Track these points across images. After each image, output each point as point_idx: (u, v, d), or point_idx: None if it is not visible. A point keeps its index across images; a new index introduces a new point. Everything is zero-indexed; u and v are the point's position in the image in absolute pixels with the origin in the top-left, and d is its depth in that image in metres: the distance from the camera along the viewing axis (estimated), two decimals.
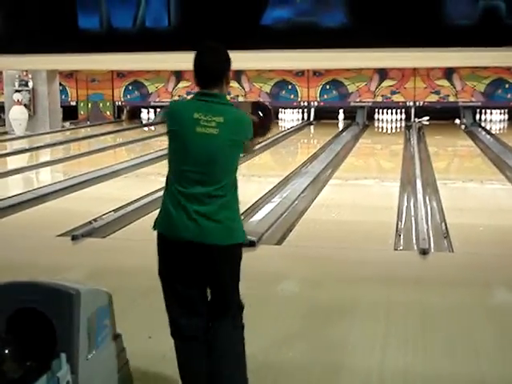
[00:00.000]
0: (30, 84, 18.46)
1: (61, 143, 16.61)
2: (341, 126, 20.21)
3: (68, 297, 2.91)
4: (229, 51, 7.20)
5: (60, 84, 20.56)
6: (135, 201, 8.28)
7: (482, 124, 19.98)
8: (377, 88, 20.90)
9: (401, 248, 6.50)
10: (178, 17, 6.89)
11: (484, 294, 5.01)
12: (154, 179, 10.56)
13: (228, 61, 3.29)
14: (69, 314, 2.89)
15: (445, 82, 20.53)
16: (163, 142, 16.79)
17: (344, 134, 17.80)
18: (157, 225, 3.34)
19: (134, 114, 22.97)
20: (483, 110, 20.66)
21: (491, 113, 20.68)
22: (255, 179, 11.09)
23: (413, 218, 7.51)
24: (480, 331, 4.24)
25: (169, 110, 3.35)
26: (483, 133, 17.74)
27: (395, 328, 4.31)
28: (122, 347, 3.36)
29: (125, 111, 22.91)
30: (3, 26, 7.59)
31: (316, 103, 21.24)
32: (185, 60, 10.69)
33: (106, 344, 3.16)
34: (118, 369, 3.27)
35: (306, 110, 21.53)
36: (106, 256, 6.15)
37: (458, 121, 20.49)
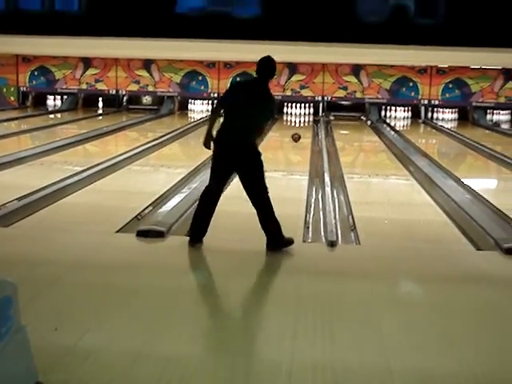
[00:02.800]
0: None
1: None
2: None
3: None
4: (142, 39, 7.09)
5: None
6: (40, 189, 8.04)
7: (387, 120, 20.55)
8: (286, 82, 21.11)
9: (309, 240, 6.59)
10: (89, 2, 6.71)
11: (389, 285, 5.13)
12: (60, 168, 10.31)
13: None
14: None
15: (352, 78, 20.97)
16: (70, 130, 16.45)
17: None
18: None
19: (40, 101, 22.33)
20: (388, 107, 21.25)
21: (396, 110, 21.30)
22: (164, 170, 11.01)
23: (321, 211, 7.63)
24: (385, 322, 4.33)
25: None
26: (388, 129, 18.24)
27: (304, 319, 4.35)
28: (27, 339, 3.25)
29: (30, 97, 22.23)
30: None
31: None
32: (94, 46, 10.44)
33: (10, 336, 3.04)
34: (22, 361, 3.16)
35: (215, 101, 21.48)
36: (10, 245, 5.94)
37: (363, 117, 21.00)
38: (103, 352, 3.77)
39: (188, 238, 6.34)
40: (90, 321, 4.17)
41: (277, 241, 5.80)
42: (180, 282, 5.07)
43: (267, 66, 5.68)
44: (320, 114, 20.68)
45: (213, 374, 3.59)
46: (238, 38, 6.89)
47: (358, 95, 21.06)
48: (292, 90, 21.17)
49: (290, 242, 5.87)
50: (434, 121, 20.95)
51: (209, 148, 5.97)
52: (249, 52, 10.80)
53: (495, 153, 13.49)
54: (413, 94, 20.98)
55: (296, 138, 14.41)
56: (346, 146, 15.56)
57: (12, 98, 21.98)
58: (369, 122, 20.05)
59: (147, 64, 21.41)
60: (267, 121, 6.04)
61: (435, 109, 21.27)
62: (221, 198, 8.26)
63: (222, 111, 5.90)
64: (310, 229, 6.97)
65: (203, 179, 9.21)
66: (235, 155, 5.74)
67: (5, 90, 21.92)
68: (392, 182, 10.46)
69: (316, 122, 19.56)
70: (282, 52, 7.06)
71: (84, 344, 3.84)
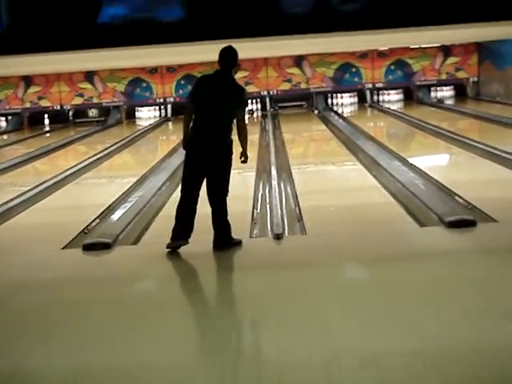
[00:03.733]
0: None
1: None
2: None
3: None
4: (67, 52, 6.99)
5: None
6: None
7: (334, 108, 20.70)
8: None
9: (256, 235, 6.61)
10: (9, 18, 6.62)
11: (333, 272, 5.18)
12: (5, 189, 10.16)
13: None
14: None
15: (296, 70, 21.06)
16: (17, 151, 16.22)
17: None
18: None
19: None
20: (334, 95, 21.39)
21: (342, 97, 21.45)
22: (112, 180, 10.95)
23: (268, 205, 7.66)
24: (330, 309, 4.37)
25: None
26: (335, 117, 18.36)
27: (249, 314, 4.38)
28: None
29: None
30: None
31: (172, 99, 21.19)
32: (21, 64, 10.27)
33: None
34: None
35: (162, 106, 21.43)
36: None
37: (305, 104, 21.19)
38: (43, 374, 3.74)
39: (134, 246, 6.35)
40: (28, 345, 4.12)
41: (225, 240, 5.81)
42: (126, 292, 5.05)
43: (228, 55, 5.69)
44: (267, 109, 20.74)
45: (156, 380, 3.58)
46: (166, 42, 6.86)
47: (303, 86, 21.15)
48: None
49: (239, 242, 5.91)
50: (380, 103, 21.15)
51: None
52: (184, 54, 10.79)
53: (441, 129, 13.68)
54: (356, 79, 21.15)
55: None
56: (294, 137, 15.63)
57: None
58: (316, 112, 20.15)
59: (89, 76, 21.22)
60: (239, 111, 5.82)
61: (380, 91, 21.46)
62: (164, 201, 8.30)
63: (191, 109, 5.79)
64: (257, 224, 6.99)
65: (150, 186, 9.22)
66: (208, 154, 5.66)
67: None
68: (339, 169, 10.55)
69: (264, 116, 19.60)
70: (213, 51, 7.02)
71: (24, 368, 3.80)
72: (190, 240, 5.77)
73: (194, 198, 5.76)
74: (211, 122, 5.67)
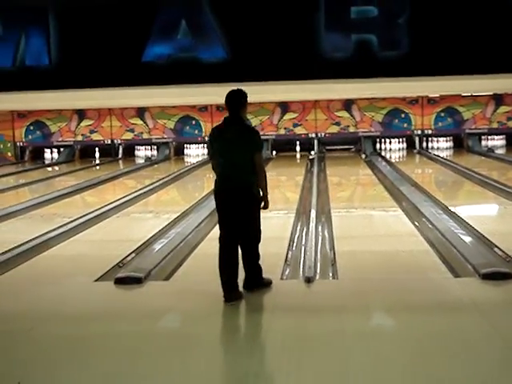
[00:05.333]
0: None
1: None
2: None
3: None
4: (111, 88, 7.17)
5: None
6: (23, 244, 8.07)
7: (382, 153, 20.62)
8: (279, 121, 21.28)
9: (287, 277, 6.58)
10: (58, 55, 6.83)
11: (361, 319, 5.11)
12: (48, 220, 10.37)
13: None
14: None
15: (344, 113, 21.11)
16: (67, 182, 16.57)
17: None
18: None
19: (37, 155, 22.56)
20: (382, 140, 21.36)
21: (390, 142, 21.39)
22: (152, 215, 11.05)
23: (302, 248, 7.63)
24: (354, 356, 4.31)
25: None
26: (383, 162, 18.27)
27: (270, 357, 4.35)
28: None
29: (27, 152, 22.46)
30: None
31: None
32: (69, 98, 10.55)
33: None
34: None
35: None
36: None
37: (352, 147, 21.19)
38: None
39: (165, 282, 6.39)
40: (54, 374, 4.17)
41: (255, 281, 5.81)
42: (152, 328, 5.07)
43: (234, 98, 5.68)
44: (314, 151, 20.78)
45: None
46: (209, 82, 6.97)
47: (352, 130, 21.18)
48: (285, 128, 21.33)
49: (269, 282, 5.92)
50: (429, 150, 21.00)
51: None
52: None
53: (489, 179, 13.48)
54: (405, 125, 21.09)
55: None
56: (340, 181, 15.60)
57: (9, 154, 22.22)
58: (363, 156, 20.10)
59: (141, 112, 21.65)
60: (256, 153, 5.62)
61: (429, 138, 21.34)
62: (201, 238, 8.34)
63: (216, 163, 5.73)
64: (290, 266, 6.96)
65: (189, 222, 9.29)
66: (232, 203, 5.58)
67: (1, 146, 22.16)
68: (379, 215, 10.45)
69: (310, 158, 19.64)
70: (258, 92, 7.17)
71: None
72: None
73: (232, 245, 5.67)
74: (229, 170, 5.63)
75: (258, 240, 5.78)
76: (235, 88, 5.79)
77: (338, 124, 21.18)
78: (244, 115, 5.77)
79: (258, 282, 5.82)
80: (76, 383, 4.05)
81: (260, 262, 5.83)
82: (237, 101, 5.71)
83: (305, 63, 6.63)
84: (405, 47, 6.59)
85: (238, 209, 5.59)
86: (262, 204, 5.72)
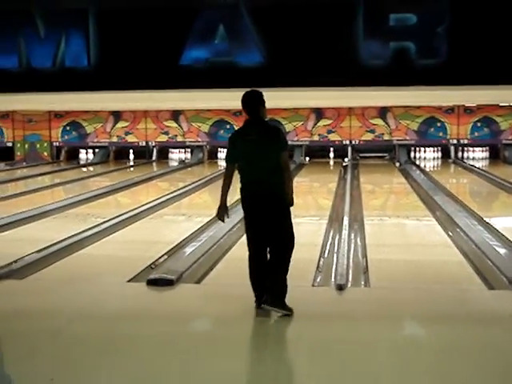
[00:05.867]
0: None
1: None
2: None
3: None
4: (148, 91, 7.22)
5: None
6: (57, 242, 8.18)
7: (417, 162, 20.46)
8: (313, 127, 21.24)
9: (318, 284, 6.56)
10: (97, 57, 6.91)
11: (392, 329, 5.07)
12: (83, 220, 10.47)
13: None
14: None
15: (379, 121, 21.01)
16: (101, 182, 16.74)
17: None
18: None
19: (73, 155, 22.82)
20: (417, 148, 21.20)
21: (425, 151, 21.23)
22: (185, 218, 11.10)
23: (335, 255, 7.60)
24: (384, 367, 4.28)
25: None
26: (417, 171, 18.12)
27: (301, 364, 4.33)
28: None
29: (63, 152, 22.74)
30: None
31: None
32: (106, 100, 10.66)
33: None
34: None
35: None
36: (21, 298, 6.04)
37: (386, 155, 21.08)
38: None
39: (197, 284, 6.41)
40: (86, 372, 4.21)
41: (278, 300, 5.27)
42: (182, 330, 5.08)
43: (252, 99, 5.45)
44: (347, 158, 20.69)
45: None
46: (245, 86, 6.98)
47: (386, 137, 21.06)
48: (319, 134, 21.29)
49: (291, 310, 5.29)
50: (465, 160, 20.78)
51: (222, 220, 5.77)
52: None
53: None
54: (441, 134, 20.92)
55: None
56: (373, 188, 15.52)
57: (45, 153, 22.51)
58: (397, 164, 19.97)
59: (175, 115, 21.78)
60: (282, 152, 5.33)
61: (465, 148, 21.13)
62: (233, 242, 8.35)
63: (231, 170, 5.49)
64: (322, 273, 6.94)
65: (222, 226, 9.28)
66: (263, 207, 5.32)
67: (38, 145, 22.47)
68: (412, 224, 10.37)
69: (344, 165, 19.56)
70: (294, 98, 7.17)
71: None
72: None
73: (262, 253, 5.44)
74: (256, 174, 5.36)
75: (291, 248, 5.44)
76: (250, 89, 5.54)
77: (372, 131, 21.08)
78: (264, 115, 5.53)
79: (278, 302, 5.26)
80: (107, 382, 4.07)
81: (287, 282, 5.36)
82: (255, 101, 5.46)
83: (342, 70, 6.62)
84: (443, 56, 6.54)
85: (269, 215, 5.32)
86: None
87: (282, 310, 5.23)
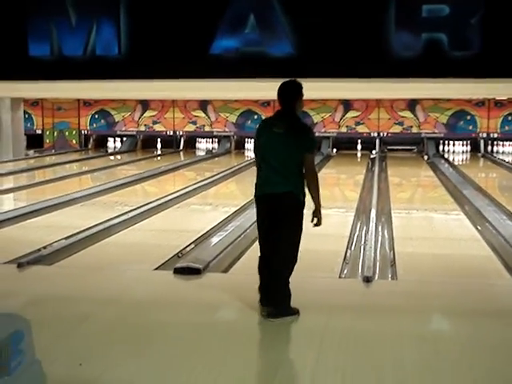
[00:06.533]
0: None
1: (24, 171, 16.53)
2: None
3: None
4: (178, 80, 7.23)
5: (25, 112, 20.52)
6: (86, 229, 8.25)
7: (445, 155, 20.28)
8: (341, 119, 21.14)
9: (345, 276, 6.54)
10: (128, 45, 6.94)
11: (419, 322, 5.03)
12: (111, 207, 10.54)
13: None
14: None
15: (408, 114, 20.84)
16: (128, 171, 16.83)
17: None
18: None
19: (101, 143, 22.97)
20: (446, 142, 21.00)
21: (454, 144, 21.02)
22: (212, 208, 11.13)
23: (362, 247, 7.57)
24: (410, 360, 4.25)
25: None
26: (446, 164, 17.97)
27: (327, 356, 4.32)
28: (41, 373, 3.33)
29: (91, 140, 22.89)
30: None
31: None
32: (135, 89, 10.69)
33: (21, 370, 3.13)
34: None
35: None
36: (50, 283, 6.11)
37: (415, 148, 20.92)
38: None
39: (223, 274, 6.43)
40: (113, 358, 4.25)
41: (279, 310, 4.95)
42: (208, 319, 5.09)
43: (288, 90, 4.92)
44: (375, 151, 20.56)
45: None
46: (275, 76, 6.95)
47: (415, 130, 20.90)
48: (347, 126, 21.19)
49: (297, 312, 5.02)
50: (494, 154, 20.55)
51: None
52: None
53: None
54: (471, 127, 20.69)
55: None
56: (400, 181, 15.43)
57: (74, 141, 22.69)
58: (425, 157, 19.81)
59: (203, 105, 21.81)
60: (306, 155, 4.81)
61: (495, 142, 20.89)
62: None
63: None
64: (349, 264, 6.92)
65: (248, 216, 9.30)
66: (271, 212, 4.84)
67: (67, 133, 22.65)
68: (441, 218, 10.29)
69: (371, 157, 19.45)
70: (323, 89, 7.13)
71: (104, 380, 3.91)
72: None
73: (265, 263, 4.99)
74: (269, 172, 4.85)
75: (292, 262, 4.98)
76: (290, 79, 5.04)
77: (401, 124, 20.93)
78: (299, 109, 4.97)
79: (282, 311, 4.96)
80: (133, 369, 4.09)
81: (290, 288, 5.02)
82: (292, 92, 4.92)
83: (373, 61, 6.59)
84: (476, 47, 6.47)
85: (276, 222, 4.83)
86: (315, 220, 4.97)
87: (287, 316, 4.93)
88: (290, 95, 4.93)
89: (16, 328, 3.13)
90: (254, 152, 5.09)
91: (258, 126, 5.15)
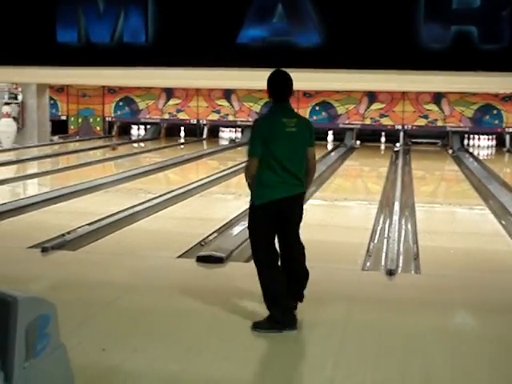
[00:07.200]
0: (20, 97, 18.52)
1: (48, 156, 16.67)
2: (329, 147, 20.31)
3: (5, 304, 2.90)
4: (204, 69, 7.22)
5: (51, 98, 20.65)
6: (110, 215, 8.30)
7: (470, 149, 20.11)
8: (366, 110, 21.03)
9: (368, 268, 6.52)
10: (155, 33, 6.94)
11: (442, 316, 5.01)
12: (134, 194, 10.59)
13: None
14: (5, 321, 2.89)
15: (433, 107, 20.67)
16: (151, 158, 16.89)
17: (332, 154, 17.92)
18: None
19: (124, 130, 23.06)
20: (471, 136, 20.81)
21: (479, 138, 20.83)
22: (236, 197, 11.13)
23: (385, 240, 7.53)
24: (434, 354, 4.23)
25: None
26: (470, 159, 17.81)
27: (349, 348, 4.31)
28: (65, 357, 3.35)
29: (115, 127, 22.99)
30: None
31: None
32: (162, 76, 10.68)
33: (47, 353, 3.15)
34: (60, 378, 3.26)
35: None
36: (73, 269, 6.15)
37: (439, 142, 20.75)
38: (143, 375, 3.85)
39: (246, 263, 6.41)
40: (136, 343, 4.27)
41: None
42: (229, 307, 5.10)
43: (288, 80, 4.57)
44: (399, 143, 20.43)
45: None
46: (302, 67, 6.93)
47: (440, 124, 20.73)
48: (371, 118, 21.07)
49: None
50: None
51: None
52: (320, 80, 10.86)
53: None
54: (497, 121, 20.48)
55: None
56: (424, 175, 15.33)
57: (98, 128, 22.80)
58: (450, 151, 19.65)
59: (227, 94, 21.79)
60: (311, 148, 4.66)
61: None
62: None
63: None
64: (372, 257, 6.89)
65: None
66: (289, 213, 4.62)
67: (91, 120, 22.76)
68: (465, 212, 10.23)
69: (395, 150, 19.34)
70: (350, 80, 7.08)
71: (126, 366, 3.93)
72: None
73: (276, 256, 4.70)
74: (286, 172, 4.51)
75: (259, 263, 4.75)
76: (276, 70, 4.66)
77: (425, 117, 20.77)
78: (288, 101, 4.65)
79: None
80: (153, 356, 4.11)
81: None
82: (291, 84, 4.59)
83: (401, 53, 6.53)
84: (506, 41, 6.39)
85: (293, 225, 4.69)
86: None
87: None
88: (291, 87, 4.62)
89: (42, 311, 3.15)
90: (255, 152, 4.48)
91: (260, 122, 4.72)
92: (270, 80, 4.63)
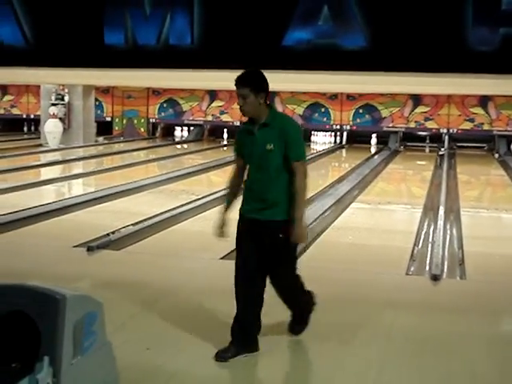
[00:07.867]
0: (66, 98, 18.81)
1: (93, 157, 16.90)
2: (373, 150, 20.18)
3: (54, 301, 2.95)
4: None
5: (96, 99, 20.91)
6: (154, 216, 8.37)
7: None
8: (410, 114, 20.84)
9: (412, 273, 6.45)
10: (200, 35, 6.98)
11: (489, 323, 4.92)
12: (177, 196, 10.66)
13: None
14: (54, 317, 2.94)
15: (479, 110, 20.38)
16: (195, 160, 16.99)
17: (375, 158, 17.80)
18: None
19: (168, 132, 23.24)
20: None
21: None
22: None
23: (430, 244, 7.45)
24: (480, 362, 4.16)
25: None
26: None
27: (393, 353, 4.27)
28: (111, 355, 3.39)
29: (159, 128, 23.19)
30: (37, 39, 7.75)
31: (348, 127, 21.26)
32: (207, 78, 10.74)
33: (93, 350, 3.19)
34: (105, 375, 3.30)
35: (338, 133, 21.56)
36: (118, 268, 6.22)
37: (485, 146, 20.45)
38: (186, 375, 3.87)
39: None
40: (176, 345, 4.29)
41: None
42: (270, 310, 5.08)
43: (267, 82, 4.03)
44: (444, 147, 20.17)
45: None
46: (347, 69, 6.90)
47: (486, 127, 20.42)
48: (416, 121, 20.87)
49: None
50: None
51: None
52: (364, 83, 10.81)
53: None
54: None
55: None
56: (470, 179, 15.13)
57: (142, 129, 23.02)
58: (496, 156, 19.34)
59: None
60: (290, 156, 4.01)
61: None
62: (325, 226, 8.29)
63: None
64: (416, 262, 6.82)
65: (313, 210, 9.27)
66: (255, 233, 4.33)
67: (135, 121, 23.00)
68: (510, 217, 10.05)
69: (440, 154, 19.11)
70: (396, 83, 7.01)
71: (169, 366, 3.96)
72: (349, 268, 5.44)
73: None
74: (253, 180, 4.21)
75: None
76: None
77: (471, 120, 20.48)
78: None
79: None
80: (194, 358, 4.13)
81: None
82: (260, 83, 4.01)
83: (448, 56, 6.46)
84: None
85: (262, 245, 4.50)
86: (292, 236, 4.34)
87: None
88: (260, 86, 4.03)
89: (90, 309, 3.19)
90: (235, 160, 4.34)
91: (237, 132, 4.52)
92: (264, 79, 4.02)
